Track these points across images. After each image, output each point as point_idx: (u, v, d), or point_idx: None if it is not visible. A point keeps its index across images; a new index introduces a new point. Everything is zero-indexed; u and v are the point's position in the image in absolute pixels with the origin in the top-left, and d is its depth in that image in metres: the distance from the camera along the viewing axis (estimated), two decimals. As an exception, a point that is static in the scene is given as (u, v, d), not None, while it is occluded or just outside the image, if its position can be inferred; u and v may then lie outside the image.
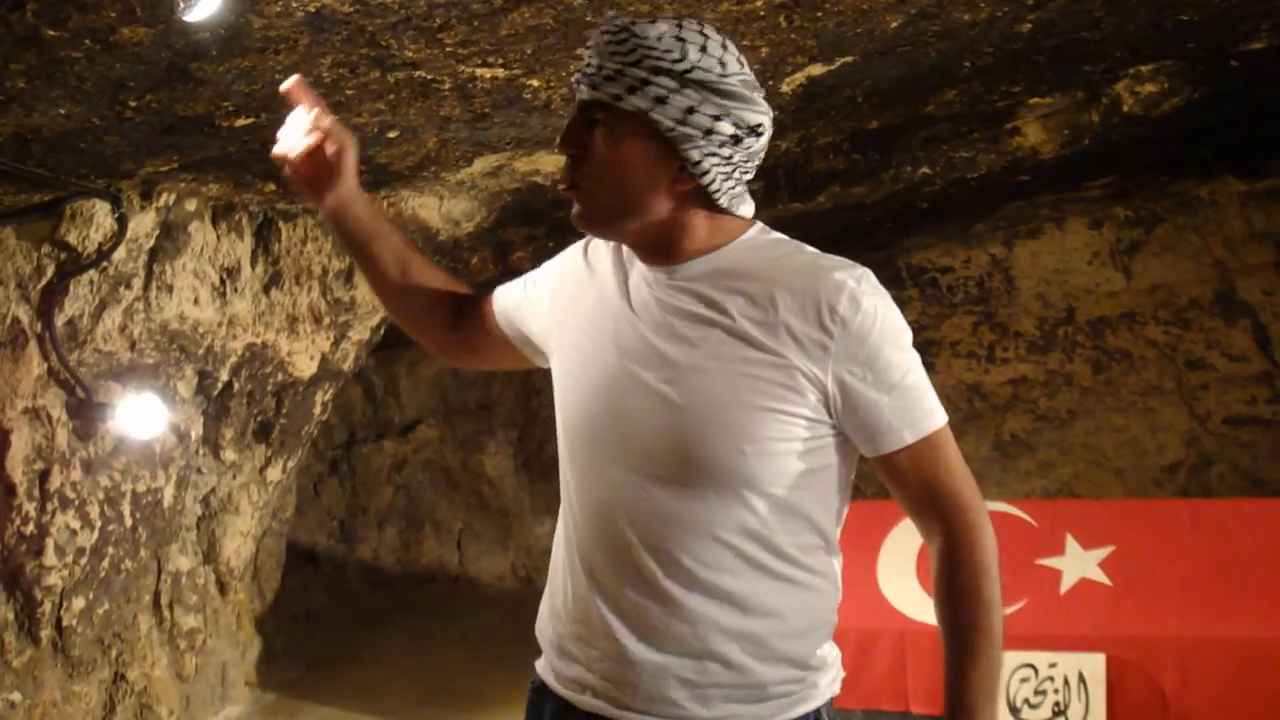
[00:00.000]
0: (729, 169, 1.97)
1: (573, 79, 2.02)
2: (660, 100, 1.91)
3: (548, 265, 2.30)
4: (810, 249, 2.04)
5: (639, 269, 2.07)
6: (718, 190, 1.98)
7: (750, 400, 1.92)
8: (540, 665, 2.18)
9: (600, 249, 2.18)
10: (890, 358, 1.95)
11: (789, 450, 1.95)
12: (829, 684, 2.06)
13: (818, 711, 2.04)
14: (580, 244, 2.24)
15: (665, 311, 2.00)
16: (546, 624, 2.17)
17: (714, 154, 1.95)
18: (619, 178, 1.97)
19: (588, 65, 1.97)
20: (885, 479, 2.04)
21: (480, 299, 2.40)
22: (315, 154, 2.18)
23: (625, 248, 2.12)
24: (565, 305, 2.18)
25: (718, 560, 1.95)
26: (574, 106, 2.01)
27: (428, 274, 2.39)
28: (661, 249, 2.03)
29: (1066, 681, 4.20)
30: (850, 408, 1.95)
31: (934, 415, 1.99)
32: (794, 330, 1.92)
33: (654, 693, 1.99)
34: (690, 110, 1.92)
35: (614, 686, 2.01)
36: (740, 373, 1.93)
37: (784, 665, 2.01)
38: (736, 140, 1.95)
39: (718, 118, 1.93)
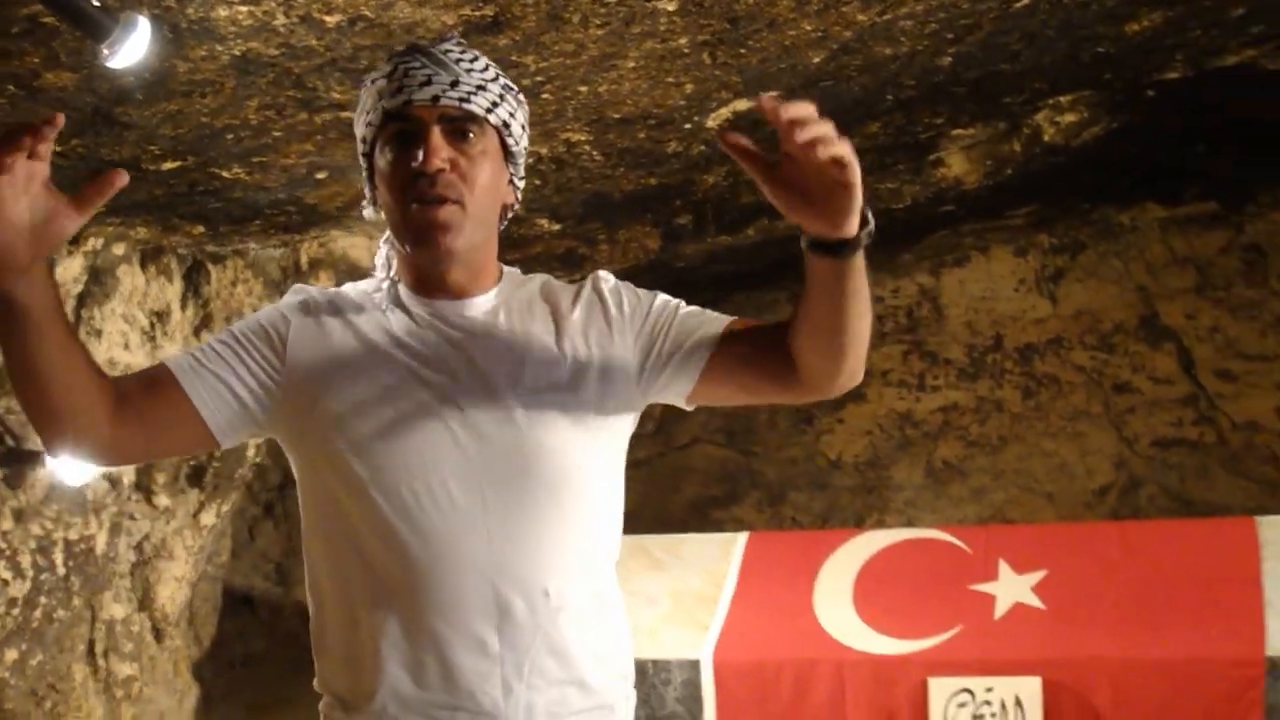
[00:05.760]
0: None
1: (415, 92, 1.91)
2: (512, 115, 1.98)
3: (246, 326, 2.06)
4: None
5: (422, 306, 2.02)
6: (516, 206, 2.08)
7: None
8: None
9: (320, 303, 2.06)
10: None
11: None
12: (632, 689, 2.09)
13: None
14: (293, 302, 2.07)
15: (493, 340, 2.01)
16: (347, 687, 2.00)
17: (523, 174, 2.06)
18: (488, 191, 1.97)
19: (442, 76, 1.91)
20: None
21: (144, 380, 2.02)
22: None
23: (376, 293, 2.04)
24: (321, 359, 2.02)
25: (571, 580, 1.96)
26: (427, 119, 1.92)
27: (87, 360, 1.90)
28: (473, 276, 2.02)
29: (1004, 706, 4.23)
30: None
31: None
32: None
33: None
34: (523, 128, 2.01)
35: None
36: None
37: (621, 680, 2.03)
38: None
39: (528, 139, 2.05)
